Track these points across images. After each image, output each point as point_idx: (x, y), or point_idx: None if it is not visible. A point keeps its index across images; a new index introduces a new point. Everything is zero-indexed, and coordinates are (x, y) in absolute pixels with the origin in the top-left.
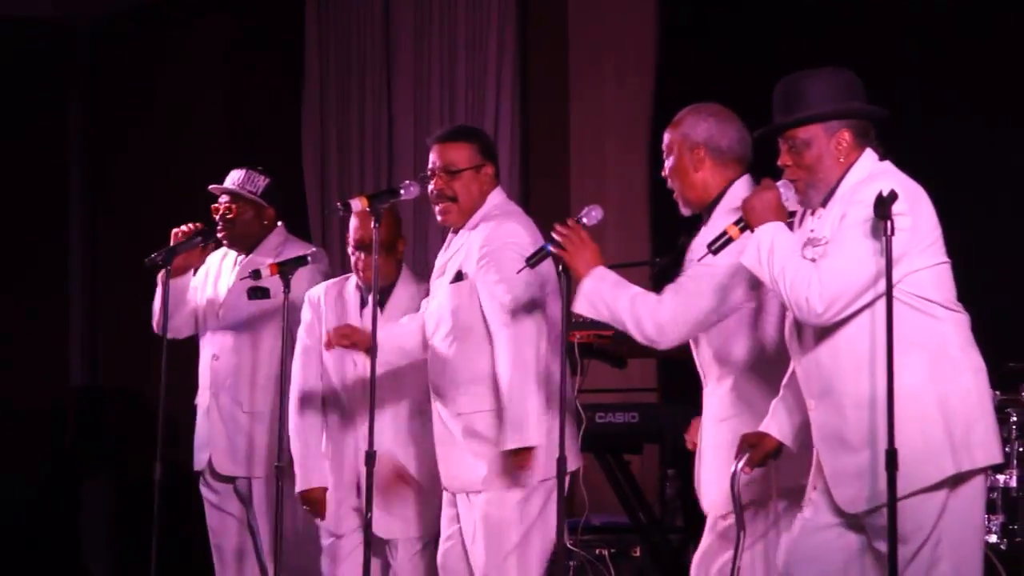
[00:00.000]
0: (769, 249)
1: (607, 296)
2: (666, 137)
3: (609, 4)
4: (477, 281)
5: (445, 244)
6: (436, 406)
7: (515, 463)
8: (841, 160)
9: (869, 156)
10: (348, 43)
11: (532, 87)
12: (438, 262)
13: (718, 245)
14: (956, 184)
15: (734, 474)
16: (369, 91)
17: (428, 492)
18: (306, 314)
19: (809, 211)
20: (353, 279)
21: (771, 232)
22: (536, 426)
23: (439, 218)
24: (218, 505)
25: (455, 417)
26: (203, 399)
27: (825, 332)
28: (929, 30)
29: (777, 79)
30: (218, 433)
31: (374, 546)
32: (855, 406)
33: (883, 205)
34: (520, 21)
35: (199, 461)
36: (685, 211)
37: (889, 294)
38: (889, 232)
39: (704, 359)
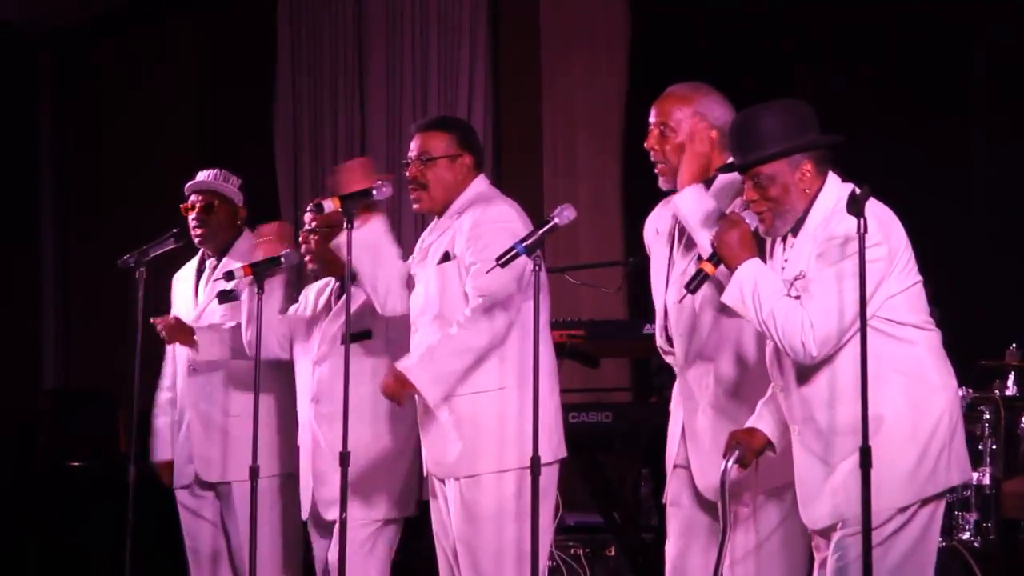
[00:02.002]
0: (753, 291)
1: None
2: (670, 110)
3: (581, 1)
4: (465, 260)
5: (428, 228)
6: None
7: (388, 387)
8: (806, 191)
9: (832, 181)
10: (320, 44)
11: (504, 87)
12: (419, 246)
13: (695, 284)
14: (928, 184)
15: (724, 471)
16: (341, 92)
17: (389, 473)
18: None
19: (780, 239)
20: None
21: (753, 272)
22: (436, 385)
23: (414, 206)
24: (195, 510)
25: (440, 400)
26: (178, 413)
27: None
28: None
29: (751, 75)
30: (200, 442)
31: None
32: (835, 432)
33: (856, 203)
34: (492, 20)
35: (185, 476)
36: (665, 186)
37: (863, 318)
38: (862, 229)
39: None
